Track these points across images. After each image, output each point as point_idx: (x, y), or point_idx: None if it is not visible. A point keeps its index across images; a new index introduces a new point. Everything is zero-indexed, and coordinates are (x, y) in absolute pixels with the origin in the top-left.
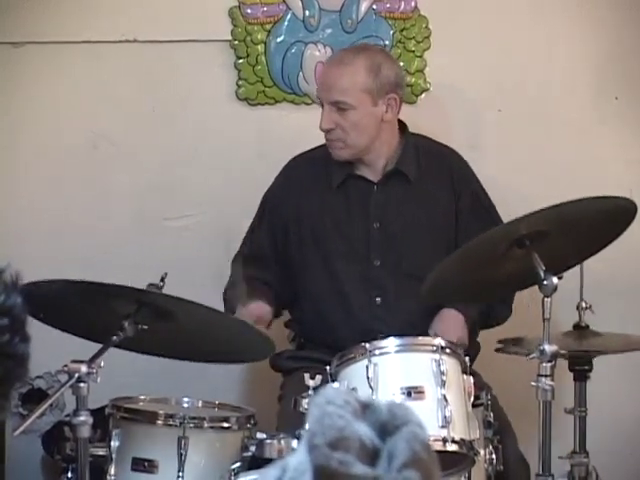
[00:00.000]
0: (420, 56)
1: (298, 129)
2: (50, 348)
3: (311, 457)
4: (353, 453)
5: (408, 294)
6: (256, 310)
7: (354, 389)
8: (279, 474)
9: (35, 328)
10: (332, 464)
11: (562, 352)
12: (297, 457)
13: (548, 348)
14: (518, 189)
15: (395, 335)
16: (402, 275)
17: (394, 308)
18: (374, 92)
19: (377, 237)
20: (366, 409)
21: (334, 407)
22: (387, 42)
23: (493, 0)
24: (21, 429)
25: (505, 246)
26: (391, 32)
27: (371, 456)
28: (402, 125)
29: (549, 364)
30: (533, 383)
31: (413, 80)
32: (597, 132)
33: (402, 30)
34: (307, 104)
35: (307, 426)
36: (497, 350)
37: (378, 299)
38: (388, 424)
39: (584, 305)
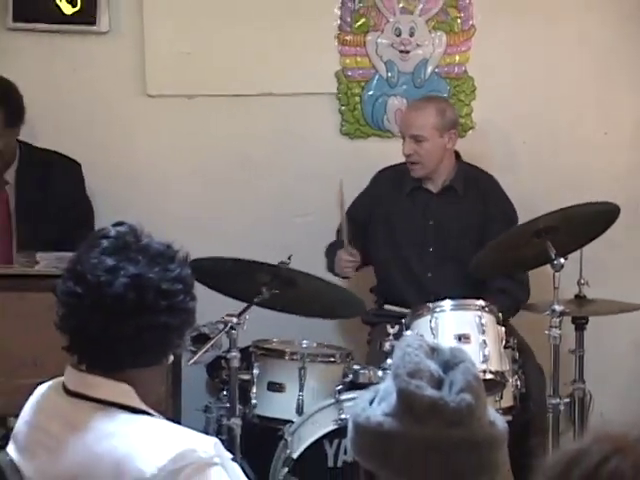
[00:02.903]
0: (468, 104)
1: (382, 154)
2: (212, 305)
3: (395, 382)
4: (425, 380)
5: (450, 271)
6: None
7: (421, 335)
8: (373, 394)
9: (203, 291)
10: (410, 387)
11: (566, 311)
12: (385, 383)
13: (557, 307)
14: (537, 196)
15: (450, 298)
16: (447, 258)
17: (440, 281)
18: (441, 128)
19: (431, 231)
20: (434, 351)
21: (412, 349)
22: (445, 94)
23: (519, 67)
24: (192, 361)
25: (528, 236)
26: (448, 87)
27: (437, 383)
28: (456, 153)
29: (558, 319)
30: (546, 332)
31: (463, 121)
32: (593, 156)
33: (455, 86)
34: (389, 137)
35: (392, 361)
36: (522, 308)
37: (429, 274)
38: (449, 361)
39: (582, 281)
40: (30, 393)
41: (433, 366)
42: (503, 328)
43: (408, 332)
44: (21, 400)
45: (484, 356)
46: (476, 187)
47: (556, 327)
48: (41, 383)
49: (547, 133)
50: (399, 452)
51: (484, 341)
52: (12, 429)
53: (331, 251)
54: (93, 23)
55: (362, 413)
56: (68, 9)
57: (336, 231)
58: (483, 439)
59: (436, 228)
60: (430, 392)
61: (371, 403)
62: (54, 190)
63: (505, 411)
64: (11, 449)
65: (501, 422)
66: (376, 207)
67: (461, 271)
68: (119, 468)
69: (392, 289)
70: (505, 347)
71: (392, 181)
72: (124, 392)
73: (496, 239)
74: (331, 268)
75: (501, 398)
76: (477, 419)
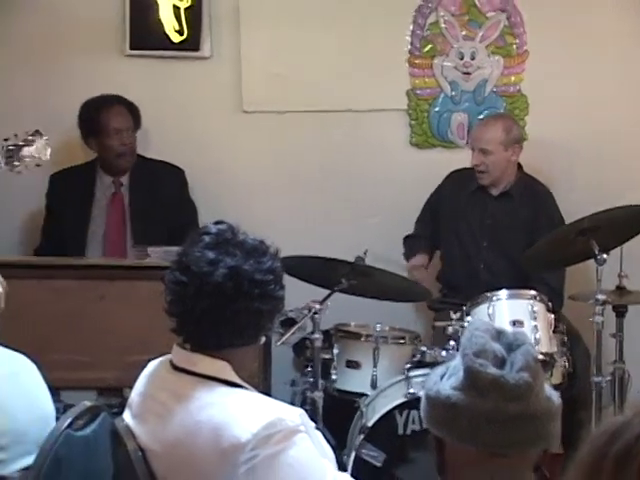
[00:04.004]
0: (522, 119)
1: (447, 163)
2: (299, 293)
3: (463, 361)
4: (489, 360)
5: (500, 265)
6: (419, 259)
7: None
8: (444, 370)
9: (290, 281)
10: (475, 365)
11: (608, 300)
12: (455, 361)
13: (600, 297)
14: (583, 198)
15: (506, 287)
16: (498, 253)
17: (491, 273)
18: (506, 144)
19: (487, 228)
20: (500, 334)
21: (479, 332)
22: (502, 110)
23: (567, 86)
24: (281, 341)
25: (574, 234)
26: (504, 104)
27: (500, 363)
28: (519, 165)
29: (601, 307)
30: (590, 318)
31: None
32: (633, 164)
33: (511, 103)
34: (453, 148)
35: (461, 342)
36: (569, 297)
37: (482, 266)
38: (512, 344)
39: (623, 274)
40: (141, 368)
41: (497, 347)
42: (552, 315)
43: (468, 318)
44: (134, 374)
45: (535, 339)
46: (532, 196)
47: (599, 314)
48: (151, 360)
49: (592, 144)
50: (464, 422)
51: (535, 326)
52: (127, 398)
53: (407, 246)
54: (197, 49)
55: (433, 387)
56: (176, 38)
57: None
58: (540, 412)
59: (491, 226)
60: (492, 370)
61: (442, 378)
62: (161, 192)
63: (554, 387)
64: (126, 415)
65: (556, 397)
66: (444, 202)
67: (510, 265)
68: (217, 434)
69: (453, 276)
70: (554, 332)
71: (460, 181)
72: (222, 368)
73: (546, 236)
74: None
75: (551, 376)
76: (535, 395)
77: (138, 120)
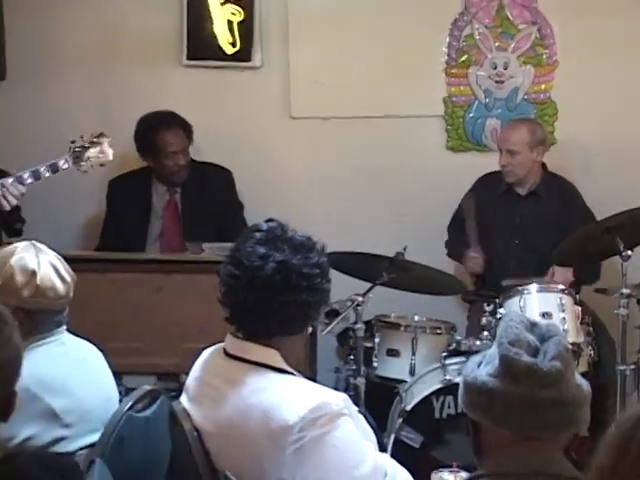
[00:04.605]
0: (551, 124)
1: (480, 165)
2: (342, 286)
3: (499, 350)
4: (523, 349)
5: (530, 261)
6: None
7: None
8: (481, 358)
9: (335, 275)
10: (510, 354)
11: (632, 294)
12: (491, 350)
13: (625, 291)
14: (608, 199)
15: (536, 282)
16: (529, 250)
17: (522, 268)
18: (532, 145)
19: (517, 227)
20: (533, 325)
21: (514, 323)
22: (532, 116)
23: (594, 94)
24: (326, 331)
25: (600, 232)
26: (535, 111)
27: (534, 352)
28: (543, 164)
29: (625, 300)
30: (616, 311)
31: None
32: None
33: (541, 110)
34: (486, 152)
35: (497, 332)
36: (596, 291)
37: (513, 262)
38: (545, 335)
39: None
40: (197, 355)
41: (531, 337)
42: (580, 307)
43: (501, 310)
44: (190, 360)
45: (563, 330)
46: (558, 193)
47: (624, 307)
48: (206, 347)
49: (617, 147)
50: (499, 406)
51: (564, 318)
52: (184, 383)
53: (454, 246)
54: (249, 60)
55: (471, 373)
56: (229, 49)
57: (447, 227)
58: (571, 398)
59: (521, 225)
60: (526, 358)
61: (479, 365)
62: (211, 193)
63: (581, 375)
64: (183, 399)
65: (586, 386)
66: (476, 204)
67: (539, 261)
68: (267, 416)
69: (485, 272)
70: (581, 323)
71: (489, 185)
72: (272, 356)
73: (574, 234)
74: (455, 257)
75: (577, 365)
76: (566, 382)
77: (191, 136)
